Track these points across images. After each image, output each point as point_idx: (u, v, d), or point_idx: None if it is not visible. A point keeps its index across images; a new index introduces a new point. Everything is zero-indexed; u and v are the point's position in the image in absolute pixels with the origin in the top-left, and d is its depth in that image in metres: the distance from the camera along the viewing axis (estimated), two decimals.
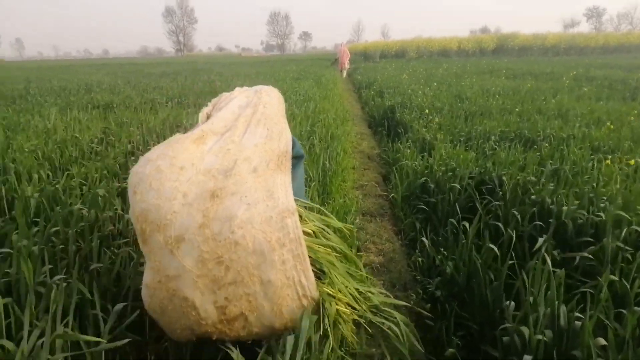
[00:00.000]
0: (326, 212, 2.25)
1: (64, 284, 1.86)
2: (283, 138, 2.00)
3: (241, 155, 1.85)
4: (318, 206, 2.25)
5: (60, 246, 2.27)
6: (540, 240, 3.05)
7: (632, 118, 7.42)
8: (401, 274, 3.41)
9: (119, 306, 1.91)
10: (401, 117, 8.15)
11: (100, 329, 1.86)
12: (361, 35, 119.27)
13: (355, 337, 2.04)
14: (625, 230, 2.90)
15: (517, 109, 8.24)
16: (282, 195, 1.81)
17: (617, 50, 41.81)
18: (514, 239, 3.06)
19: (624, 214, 3.14)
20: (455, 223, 3.64)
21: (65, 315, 1.78)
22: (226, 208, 1.71)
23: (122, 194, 3.10)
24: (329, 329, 1.87)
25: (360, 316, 2.05)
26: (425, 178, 4.62)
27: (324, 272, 1.97)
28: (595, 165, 4.69)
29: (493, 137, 6.15)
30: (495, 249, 2.85)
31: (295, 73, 18.87)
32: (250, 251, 1.68)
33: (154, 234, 1.67)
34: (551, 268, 2.29)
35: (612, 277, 2.30)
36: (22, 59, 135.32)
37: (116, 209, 2.79)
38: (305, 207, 2.17)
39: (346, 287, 2.02)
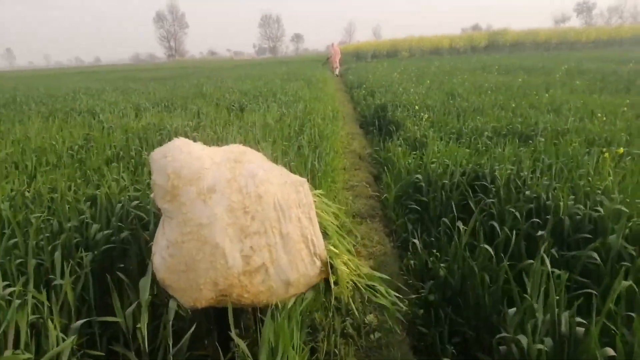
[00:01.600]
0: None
1: (17, 301, 1.69)
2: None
3: (248, 150, 2.15)
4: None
5: (19, 260, 2.08)
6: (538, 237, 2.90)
7: (625, 109, 7.30)
8: (393, 278, 3.24)
9: (78, 323, 1.74)
10: (393, 115, 7.99)
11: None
12: (353, 36, 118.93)
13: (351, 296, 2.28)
14: (626, 225, 2.71)
15: (512, 104, 8.08)
16: (290, 173, 2.15)
17: (608, 44, 41.85)
18: (513, 237, 2.89)
19: (623, 208, 2.97)
20: (449, 222, 3.49)
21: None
22: (248, 169, 1.96)
23: (93, 201, 2.92)
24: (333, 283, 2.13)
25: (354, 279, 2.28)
26: (417, 176, 4.45)
27: (327, 234, 2.25)
28: (592, 158, 4.55)
29: (486, 133, 6.00)
30: (490, 249, 2.68)
31: (285, 74, 18.69)
32: (271, 206, 1.91)
33: (187, 187, 1.83)
34: (550, 269, 2.13)
35: (626, 282, 2.12)
36: (13, 69, 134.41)
37: (85, 217, 2.60)
38: None
39: (345, 251, 2.33)
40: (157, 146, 5.07)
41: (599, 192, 3.44)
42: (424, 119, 6.91)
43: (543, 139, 5.54)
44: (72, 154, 4.88)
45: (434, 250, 3.24)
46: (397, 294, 3.03)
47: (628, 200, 3.27)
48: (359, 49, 43.58)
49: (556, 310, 1.84)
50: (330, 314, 2.60)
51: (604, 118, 6.53)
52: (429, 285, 2.94)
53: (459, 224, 3.04)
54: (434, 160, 4.67)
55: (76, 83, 20.56)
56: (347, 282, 2.21)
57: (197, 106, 8.33)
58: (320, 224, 2.19)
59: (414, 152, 5.42)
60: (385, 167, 5.34)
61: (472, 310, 2.55)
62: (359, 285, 2.28)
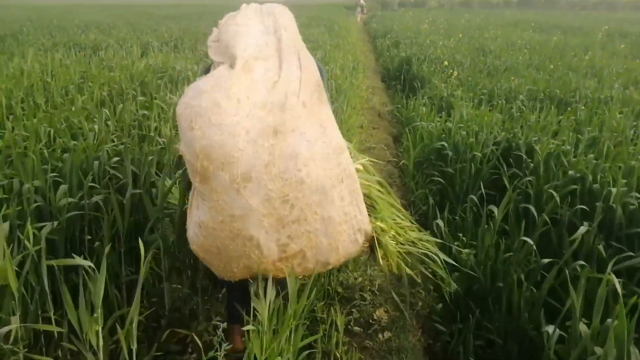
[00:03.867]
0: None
1: None
2: (312, 65, 1.85)
3: (288, 88, 1.73)
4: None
5: None
6: (582, 229, 2.43)
7: None
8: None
9: (3, 330, 1.38)
10: (418, 70, 7.39)
11: None
12: None
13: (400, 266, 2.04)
14: None
15: (550, 66, 7.41)
16: (332, 130, 1.79)
17: None
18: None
19: None
20: (477, 200, 3.04)
21: None
22: (289, 145, 1.67)
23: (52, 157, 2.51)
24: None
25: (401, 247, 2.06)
26: (442, 143, 3.96)
27: (373, 207, 2.00)
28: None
29: (520, 97, 5.43)
30: (531, 242, 2.24)
31: (306, 19, 17.77)
32: (313, 189, 1.68)
33: (218, 172, 1.60)
34: (616, 281, 1.69)
35: None
36: None
37: (55, 175, 2.21)
38: None
39: (393, 220, 2.07)
40: (155, 90, 4.65)
41: None
42: (453, 76, 6.32)
43: (584, 107, 4.97)
44: (63, 93, 4.46)
45: (459, 234, 2.81)
46: (411, 284, 2.65)
47: None
48: None
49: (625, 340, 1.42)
50: (335, 306, 2.23)
51: None
52: (453, 276, 2.54)
53: (493, 208, 2.57)
54: (461, 125, 4.16)
55: (90, 16, 19.85)
56: (391, 254, 2.00)
57: (207, 47, 7.78)
58: (367, 195, 1.95)
59: (440, 114, 4.90)
60: (407, 129, 4.85)
61: (502, 313, 2.16)
62: (407, 257, 2.05)
